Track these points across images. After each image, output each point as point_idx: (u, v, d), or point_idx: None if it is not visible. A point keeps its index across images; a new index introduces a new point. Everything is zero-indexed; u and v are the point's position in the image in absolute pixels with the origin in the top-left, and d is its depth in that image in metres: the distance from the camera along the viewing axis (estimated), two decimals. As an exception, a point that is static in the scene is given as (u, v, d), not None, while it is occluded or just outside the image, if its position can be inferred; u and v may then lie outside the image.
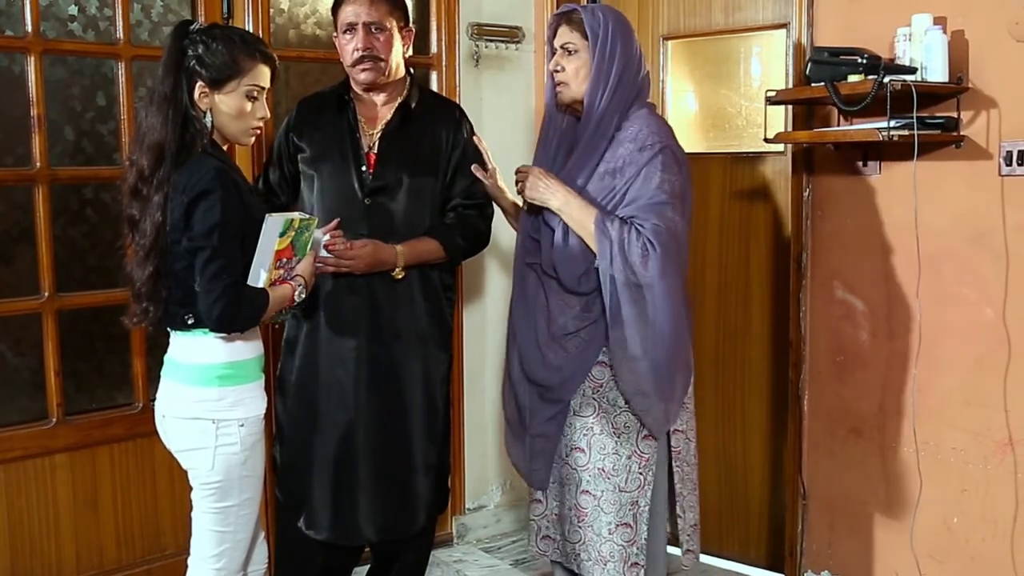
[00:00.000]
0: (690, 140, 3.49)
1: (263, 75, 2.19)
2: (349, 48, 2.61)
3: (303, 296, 2.26)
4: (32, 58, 2.71)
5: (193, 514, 2.25)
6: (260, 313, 2.15)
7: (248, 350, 2.22)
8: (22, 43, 2.72)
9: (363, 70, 2.61)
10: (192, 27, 2.17)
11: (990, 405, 2.67)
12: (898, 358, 2.83)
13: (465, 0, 3.49)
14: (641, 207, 2.27)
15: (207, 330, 2.14)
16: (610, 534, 2.36)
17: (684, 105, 3.50)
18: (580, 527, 2.39)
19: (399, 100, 2.70)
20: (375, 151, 2.66)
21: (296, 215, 2.21)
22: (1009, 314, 2.62)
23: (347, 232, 2.55)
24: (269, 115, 2.26)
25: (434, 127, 2.72)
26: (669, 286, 2.23)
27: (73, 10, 2.86)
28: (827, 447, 3.04)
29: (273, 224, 2.13)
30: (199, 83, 2.13)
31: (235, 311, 2.09)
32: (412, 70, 2.79)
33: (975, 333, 2.68)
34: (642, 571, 2.37)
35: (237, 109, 2.17)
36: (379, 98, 2.70)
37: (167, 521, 3.00)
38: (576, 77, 2.40)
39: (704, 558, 3.44)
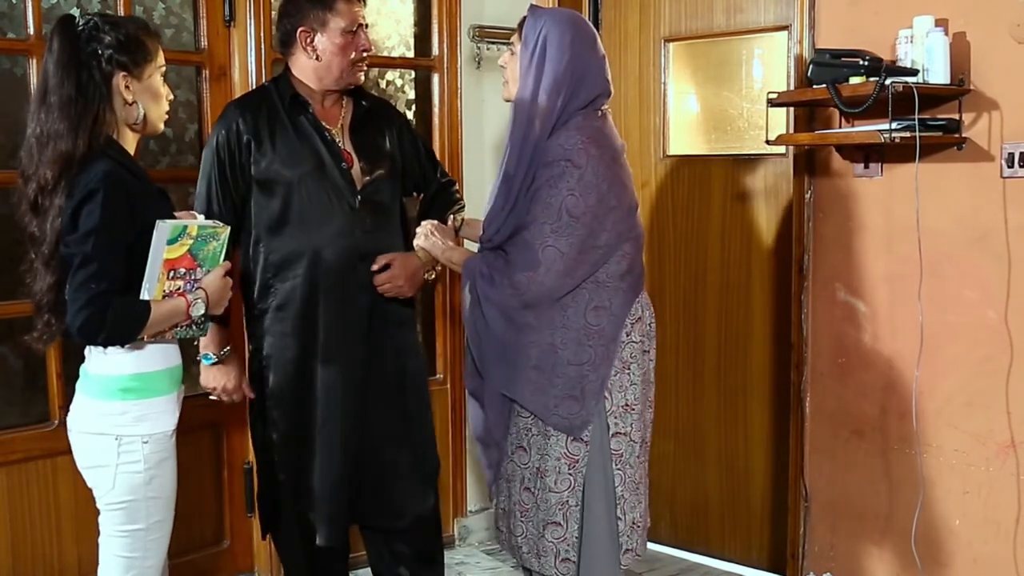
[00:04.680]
0: (692, 142, 3.49)
1: (162, 54, 2.13)
2: (357, 46, 2.60)
3: (202, 311, 2.08)
4: (34, 61, 2.71)
5: (100, 539, 2.10)
6: (137, 326, 1.97)
7: (158, 361, 2.07)
8: (24, 45, 2.73)
9: (361, 69, 2.65)
10: (80, 20, 2.02)
11: (992, 407, 2.66)
12: (900, 360, 2.83)
13: (467, 2, 3.49)
14: (518, 233, 2.32)
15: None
16: (544, 530, 2.41)
17: (686, 107, 3.50)
18: (523, 521, 2.44)
19: (344, 96, 2.69)
20: (346, 148, 2.64)
21: (193, 222, 2.07)
22: (1011, 316, 2.62)
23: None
24: (172, 96, 2.21)
25: (379, 123, 2.74)
26: (498, 308, 2.34)
27: (75, 13, 2.86)
28: (829, 449, 3.04)
29: (161, 231, 1.97)
30: (122, 73, 2.02)
31: (100, 322, 1.92)
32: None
33: (977, 335, 2.68)
34: (573, 567, 2.40)
35: (156, 92, 2.11)
36: (332, 96, 2.66)
37: (169, 523, 2.99)
38: (514, 79, 2.38)
39: (706, 560, 3.46)
